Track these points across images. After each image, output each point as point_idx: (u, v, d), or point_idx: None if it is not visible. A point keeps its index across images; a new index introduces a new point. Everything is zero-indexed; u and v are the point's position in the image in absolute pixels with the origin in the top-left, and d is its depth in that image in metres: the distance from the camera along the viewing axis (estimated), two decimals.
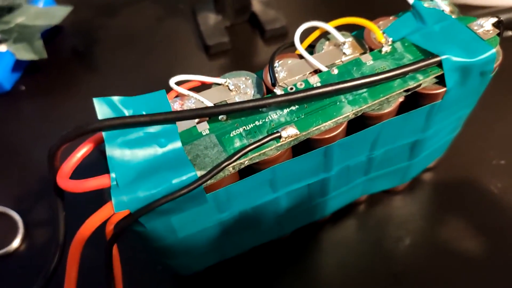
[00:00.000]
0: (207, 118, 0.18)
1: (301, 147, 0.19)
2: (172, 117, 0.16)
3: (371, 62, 0.19)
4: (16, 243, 0.26)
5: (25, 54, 0.34)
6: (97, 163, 0.18)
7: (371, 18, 0.21)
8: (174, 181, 0.16)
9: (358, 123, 0.19)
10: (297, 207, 0.22)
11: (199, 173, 0.16)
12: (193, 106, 0.19)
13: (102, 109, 0.17)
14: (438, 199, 0.26)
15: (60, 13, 0.36)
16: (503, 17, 0.34)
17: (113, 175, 0.16)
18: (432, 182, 0.27)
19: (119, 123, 0.16)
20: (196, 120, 0.18)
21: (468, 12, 0.35)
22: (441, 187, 0.27)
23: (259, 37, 0.37)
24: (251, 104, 0.17)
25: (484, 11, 0.34)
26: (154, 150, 0.17)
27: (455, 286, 0.23)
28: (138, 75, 0.35)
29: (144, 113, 0.17)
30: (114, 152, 0.16)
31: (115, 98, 0.17)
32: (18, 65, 0.35)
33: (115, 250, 0.17)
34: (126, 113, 0.17)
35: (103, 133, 0.16)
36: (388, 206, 0.26)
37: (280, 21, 0.37)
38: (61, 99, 0.34)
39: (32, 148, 0.31)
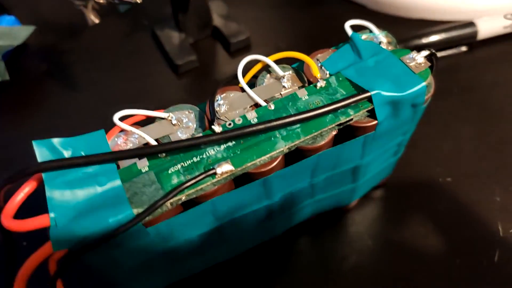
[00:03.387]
0: None
1: (242, 178, 0.20)
2: (108, 158, 0.17)
3: (306, 97, 0.20)
4: None
5: None
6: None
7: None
8: (111, 220, 0.17)
9: (295, 154, 0.20)
10: (243, 232, 0.23)
11: (136, 211, 0.17)
12: (136, 142, 0.20)
13: (41, 151, 0.17)
14: (386, 218, 0.27)
15: (23, 33, 0.36)
16: (457, 32, 0.35)
17: (52, 215, 0.17)
18: (381, 200, 0.28)
19: (57, 165, 0.17)
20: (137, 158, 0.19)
21: (421, 27, 0.36)
22: (389, 205, 0.28)
23: (224, 50, 0.38)
24: (188, 142, 0.18)
25: (441, 27, 0.35)
26: (94, 189, 0.17)
27: None
28: (104, 95, 0.35)
29: (82, 153, 0.18)
30: (53, 193, 0.17)
31: (55, 140, 0.18)
32: None
33: (59, 286, 0.18)
34: (65, 154, 0.18)
35: (43, 175, 0.17)
36: (337, 224, 0.27)
37: (244, 33, 0.37)
38: (23, 120, 0.34)
39: None
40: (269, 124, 0.18)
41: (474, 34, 0.36)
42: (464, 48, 0.36)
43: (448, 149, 0.30)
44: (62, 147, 0.18)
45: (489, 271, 0.25)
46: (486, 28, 0.36)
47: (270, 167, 0.19)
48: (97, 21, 0.31)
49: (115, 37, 0.39)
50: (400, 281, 0.25)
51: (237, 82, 0.22)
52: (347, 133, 0.20)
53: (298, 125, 0.19)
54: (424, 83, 0.20)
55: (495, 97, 0.33)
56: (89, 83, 0.37)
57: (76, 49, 0.39)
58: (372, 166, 0.24)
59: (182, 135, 0.20)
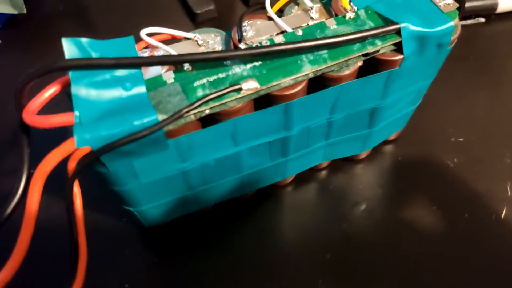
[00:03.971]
0: (174, 68, 0.19)
1: (263, 104, 0.20)
2: (137, 62, 0.17)
3: (335, 26, 0.20)
4: None
5: (4, 7, 0.34)
6: (65, 109, 0.19)
7: None
8: (136, 122, 0.17)
9: (318, 85, 0.20)
10: (258, 165, 0.23)
11: (161, 117, 0.17)
12: None
13: (70, 49, 0.17)
14: (397, 171, 0.27)
15: None
16: (477, 3, 0.35)
17: (76, 113, 0.17)
18: (392, 154, 0.28)
19: (85, 64, 0.17)
20: (164, 70, 0.19)
21: None
22: (400, 159, 0.28)
23: (243, 3, 0.38)
24: (214, 55, 0.18)
25: None
26: (119, 93, 0.17)
27: (401, 249, 0.24)
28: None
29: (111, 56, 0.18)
30: (79, 91, 0.17)
31: (84, 40, 0.17)
32: None
33: (76, 187, 0.18)
34: (94, 55, 0.17)
35: (70, 73, 0.17)
36: (348, 173, 0.27)
37: None
38: (38, 55, 0.34)
39: (8, 100, 0.31)
40: (297, 45, 0.18)
41: (494, 6, 0.36)
42: (482, 20, 0.36)
43: (461, 112, 0.30)
44: (91, 48, 0.17)
45: (496, 226, 0.25)
46: (507, 1, 0.36)
47: (293, 90, 0.19)
48: None
49: None
50: (409, 228, 0.25)
51: (264, 13, 0.22)
52: (371, 68, 0.20)
53: (325, 51, 0.19)
54: (452, 23, 0.20)
55: (510, 66, 0.33)
56: (105, 27, 0.36)
57: None
58: (390, 111, 0.24)
59: None
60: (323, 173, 0.27)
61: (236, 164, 0.22)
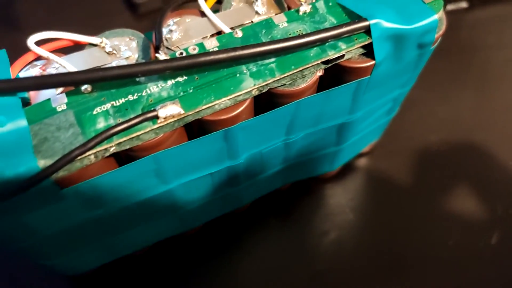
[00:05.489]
0: (72, 88, 0.14)
1: (198, 130, 0.15)
2: (7, 87, 0.12)
3: (285, 24, 0.15)
4: None
5: None
6: None
7: None
8: (8, 172, 0.12)
9: (269, 102, 0.15)
10: (200, 200, 0.19)
11: (43, 163, 0.12)
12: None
13: None
14: (371, 189, 0.23)
15: None
16: None
17: None
18: (366, 169, 0.24)
19: None
20: (58, 92, 0.14)
21: None
22: (375, 175, 0.24)
23: None
24: (120, 71, 0.13)
25: None
26: None
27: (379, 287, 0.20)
28: None
29: None
30: None
31: None
32: None
33: None
34: None
35: None
36: (315, 195, 0.23)
37: None
38: None
39: None
40: (233, 53, 0.13)
41: None
42: (464, 4, 0.32)
43: (444, 115, 0.26)
44: None
45: (485, 253, 0.21)
46: None
47: (233, 113, 0.14)
48: None
49: None
50: (387, 262, 0.21)
51: (197, 6, 0.17)
52: (334, 78, 0.16)
53: (272, 59, 0.14)
54: (435, 16, 0.15)
55: (497, 60, 0.29)
56: (34, 24, 0.31)
57: None
58: (361, 125, 0.19)
59: None
60: (285, 195, 0.23)
61: (168, 202, 0.17)
